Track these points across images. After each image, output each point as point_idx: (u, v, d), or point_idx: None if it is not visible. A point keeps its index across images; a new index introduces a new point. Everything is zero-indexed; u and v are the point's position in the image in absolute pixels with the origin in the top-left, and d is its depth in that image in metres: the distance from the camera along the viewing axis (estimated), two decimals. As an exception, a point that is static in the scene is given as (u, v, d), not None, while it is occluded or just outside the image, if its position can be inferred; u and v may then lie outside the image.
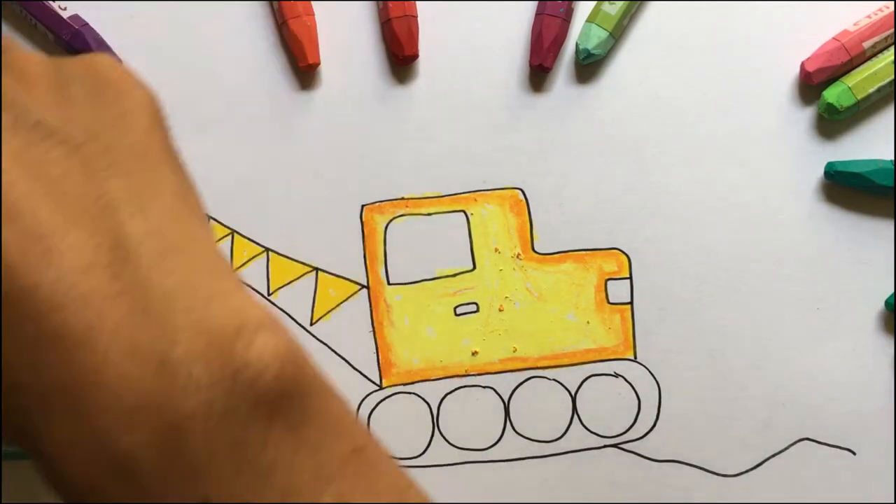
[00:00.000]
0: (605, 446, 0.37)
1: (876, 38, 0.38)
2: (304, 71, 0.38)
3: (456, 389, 0.38)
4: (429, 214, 0.38)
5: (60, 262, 0.21)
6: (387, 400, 0.38)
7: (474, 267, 0.38)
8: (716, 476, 0.37)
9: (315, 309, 0.38)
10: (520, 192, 0.38)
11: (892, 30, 0.38)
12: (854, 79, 0.37)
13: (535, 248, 0.38)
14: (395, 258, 0.38)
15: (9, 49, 0.26)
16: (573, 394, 0.38)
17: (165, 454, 0.21)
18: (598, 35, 0.38)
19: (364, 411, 0.38)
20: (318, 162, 0.38)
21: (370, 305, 0.38)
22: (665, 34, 0.39)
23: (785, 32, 0.39)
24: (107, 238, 0.22)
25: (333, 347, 0.38)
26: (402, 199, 0.38)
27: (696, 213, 0.38)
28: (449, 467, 0.37)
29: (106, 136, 0.24)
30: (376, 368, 0.38)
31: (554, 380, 0.38)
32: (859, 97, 0.37)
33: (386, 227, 0.38)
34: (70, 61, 0.26)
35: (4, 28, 0.39)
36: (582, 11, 0.39)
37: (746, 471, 0.38)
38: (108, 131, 0.24)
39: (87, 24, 0.38)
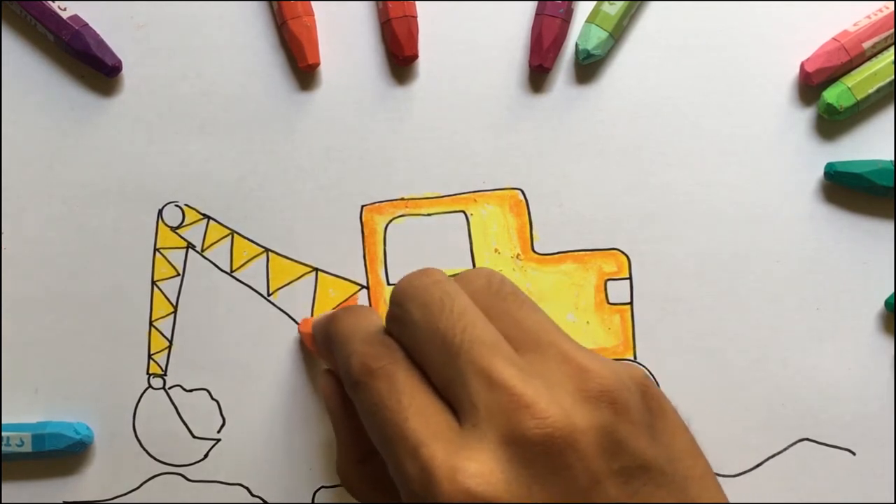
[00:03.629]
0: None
1: (876, 39, 0.38)
2: (304, 71, 0.38)
3: (456, 389, 0.38)
4: (429, 215, 0.38)
5: None
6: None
7: (474, 267, 0.38)
8: (716, 476, 0.37)
9: (315, 309, 0.38)
10: (520, 192, 0.38)
11: (892, 30, 0.38)
12: (854, 79, 0.37)
13: (535, 249, 0.38)
14: (394, 258, 0.38)
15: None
16: (573, 394, 0.38)
17: None
18: (597, 35, 0.38)
19: (364, 411, 0.38)
20: (318, 162, 0.38)
21: (370, 306, 0.38)
22: (665, 34, 0.39)
23: (785, 32, 0.39)
24: None
25: (333, 347, 0.38)
26: (402, 199, 0.38)
27: (696, 213, 0.38)
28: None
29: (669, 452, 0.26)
30: (376, 368, 0.38)
31: (554, 380, 0.38)
32: (859, 97, 0.37)
33: (386, 228, 0.38)
34: (626, 375, 0.26)
35: (4, 28, 0.39)
36: (582, 11, 0.39)
37: (746, 471, 0.38)
38: (667, 448, 0.26)
39: (87, 24, 0.38)
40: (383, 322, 0.30)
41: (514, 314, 0.27)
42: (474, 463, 0.24)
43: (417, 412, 0.26)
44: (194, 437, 0.38)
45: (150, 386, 0.38)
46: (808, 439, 0.38)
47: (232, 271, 0.38)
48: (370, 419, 0.27)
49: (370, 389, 0.27)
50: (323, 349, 0.33)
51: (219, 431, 0.38)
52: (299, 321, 0.38)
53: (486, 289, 0.28)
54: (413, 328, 0.27)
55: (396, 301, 0.28)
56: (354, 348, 0.28)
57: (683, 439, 0.27)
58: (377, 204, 0.38)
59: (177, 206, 0.38)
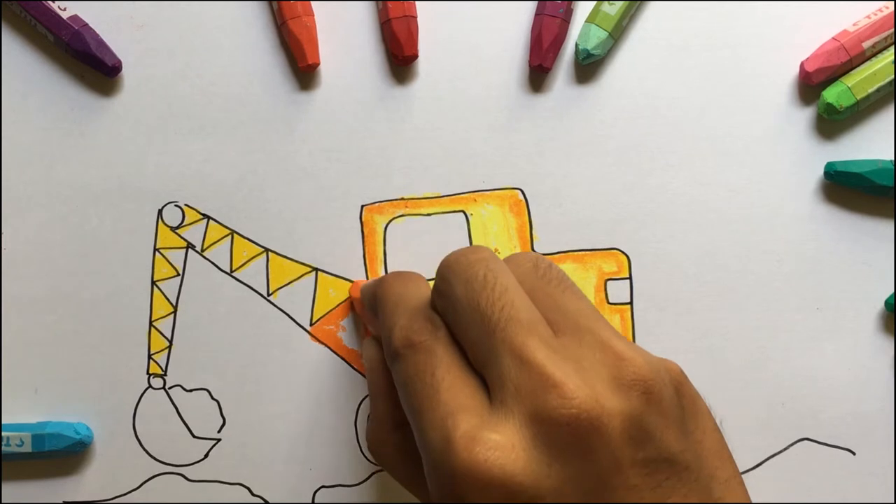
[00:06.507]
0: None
1: (875, 39, 0.38)
2: (304, 71, 0.38)
3: (456, 389, 0.38)
4: (428, 215, 0.38)
5: None
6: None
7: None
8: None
9: (315, 309, 0.38)
10: (519, 192, 0.39)
11: (892, 30, 0.38)
12: (854, 79, 0.38)
13: (535, 249, 0.38)
14: (394, 258, 0.38)
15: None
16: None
17: None
18: (597, 35, 0.38)
19: (364, 412, 0.38)
20: (318, 162, 0.38)
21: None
22: (665, 34, 0.39)
23: (785, 32, 0.39)
24: None
25: (333, 348, 0.38)
26: (402, 199, 0.38)
27: (695, 213, 0.38)
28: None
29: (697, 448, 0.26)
30: (376, 368, 0.38)
31: (554, 380, 0.38)
32: (859, 97, 0.37)
33: (386, 228, 0.38)
34: (663, 368, 0.26)
35: (4, 28, 0.39)
36: (582, 11, 0.39)
37: (747, 471, 0.38)
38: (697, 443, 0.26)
39: (86, 24, 0.38)
40: (430, 291, 0.30)
41: (558, 298, 0.27)
42: (496, 435, 0.24)
43: (450, 386, 0.26)
44: (194, 437, 0.38)
45: (150, 386, 0.38)
46: (808, 439, 0.38)
47: (232, 271, 0.38)
48: (404, 390, 0.27)
49: (408, 362, 0.27)
50: (369, 313, 0.33)
51: (219, 431, 0.38)
52: (351, 283, 0.38)
53: (533, 271, 0.28)
54: (455, 303, 0.27)
55: (442, 276, 0.28)
56: (398, 321, 0.28)
57: (713, 439, 0.26)
58: (377, 204, 0.38)
59: (177, 206, 0.38)
